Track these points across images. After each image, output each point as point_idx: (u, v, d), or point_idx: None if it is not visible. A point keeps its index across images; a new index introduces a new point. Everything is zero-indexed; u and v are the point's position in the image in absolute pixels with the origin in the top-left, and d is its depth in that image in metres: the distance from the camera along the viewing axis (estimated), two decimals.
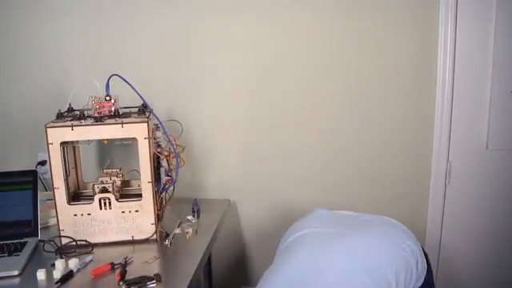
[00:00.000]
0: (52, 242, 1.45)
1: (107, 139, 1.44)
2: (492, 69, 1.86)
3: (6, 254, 1.39)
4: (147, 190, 1.46)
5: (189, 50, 1.82)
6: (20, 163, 1.74)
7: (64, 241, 1.45)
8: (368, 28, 1.84)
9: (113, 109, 1.47)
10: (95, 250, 1.42)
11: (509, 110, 1.89)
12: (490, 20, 1.83)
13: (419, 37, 1.86)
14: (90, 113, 1.47)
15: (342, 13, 1.81)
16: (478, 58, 1.87)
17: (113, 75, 1.47)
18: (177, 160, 1.51)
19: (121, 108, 1.50)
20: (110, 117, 1.46)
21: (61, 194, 1.44)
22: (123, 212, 1.46)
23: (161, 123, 1.50)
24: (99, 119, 1.44)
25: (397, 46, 1.85)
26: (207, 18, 1.83)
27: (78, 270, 1.30)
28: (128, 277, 1.25)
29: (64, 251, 1.41)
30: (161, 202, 1.55)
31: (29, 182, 1.55)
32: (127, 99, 1.53)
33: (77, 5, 1.87)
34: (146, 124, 1.41)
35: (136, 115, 1.50)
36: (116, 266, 1.31)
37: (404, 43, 1.86)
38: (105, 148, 1.82)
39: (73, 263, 1.32)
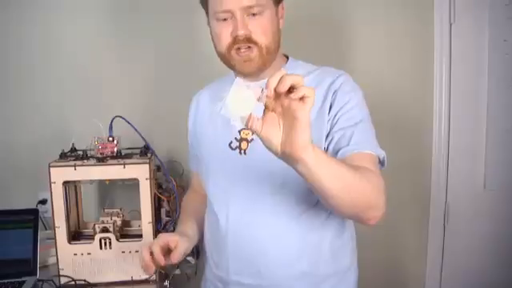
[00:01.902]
0: (50, 282, 1.44)
1: (109, 179, 1.46)
2: (487, 109, 1.90)
3: None
4: (147, 230, 1.46)
5: (189, 92, 1.84)
6: (20, 202, 1.74)
7: (63, 280, 1.44)
8: (364, 63, 1.87)
9: (115, 149, 1.49)
10: None
11: (505, 149, 1.92)
12: (484, 61, 1.89)
13: (415, 77, 1.91)
14: (93, 153, 1.48)
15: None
16: (473, 97, 1.92)
17: (116, 117, 1.49)
18: (177, 201, 1.51)
19: (123, 149, 1.52)
20: (112, 157, 1.47)
21: (61, 233, 1.44)
22: (123, 252, 1.46)
23: (162, 164, 1.52)
24: (102, 159, 1.45)
25: (393, 85, 1.88)
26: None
27: None
28: None
29: None
30: None
31: (30, 220, 1.54)
32: (129, 139, 1.55)
33: (79, 48, 1.89)
34: (147, 165, 1.43)
35: (138, 156, 1.51)
36: None
37: (400, 82, 1.90)
38: (106, 188, 1.82)
39: None
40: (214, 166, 1.18)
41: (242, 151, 1.13)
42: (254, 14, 1.04)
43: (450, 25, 1.89)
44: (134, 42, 1.90)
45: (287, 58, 1.20)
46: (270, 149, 0.81)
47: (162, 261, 1.11)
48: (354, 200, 0.91)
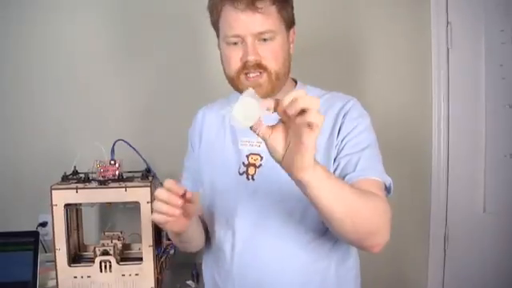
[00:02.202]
0: None
1: (110, 202, 1.47)
2: (485, 132, 1.91)
3: None
4: (148, 253, 1.46)
5: (191, 114, 1.85)
6: (20, 224, 1.74)
7: None
8: (367, 89, 1.90)
9: (117, 173, 1.49)
10: None
11: (504, 173, 1.92)
12: (481, 86, 1.91)
13: (413, 103, 1.94)
14: (95, 176, 1.49)
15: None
16: (472, 121, 1.94)
17: (118, 140, 1.51)
18: None
19: (124, 172, 1.53)
20: (113, 180, 1.48)
21: (62, 256, 1.44)
22: (123, 275, 1.46)
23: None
24: (103, 182, 1.46)
25: (392, 113, 1.90)
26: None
27: None
28: None
29: None
30: (161, 266, 1.54)
31: (30, 242, 1.53)
32: (130, 161, 1.56)
33: (79, 72, 1.90)
34: (148, 188, 1.44)
35: (139, 179, 1.52)
36: None
37: (398, 109, 1.92)
38: (107, 210, 1.82)
39: None
40: (219, 189, 1.16)
41: (250, 176, 1.11)
42: (264, 40, 1.03)
43: (448, 50, 1.93)
44: (134, 69, 1.91)
45: (296, 82, 1.20)
46: (273, 156, 0.81)
47: (181, 189, 0.94)
48: (357, 225, 0.90)
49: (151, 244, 1.46)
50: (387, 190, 1.06)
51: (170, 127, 1.87)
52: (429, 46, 1.93)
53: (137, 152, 1.53)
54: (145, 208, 1.44)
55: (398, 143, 1.88)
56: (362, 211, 0.89)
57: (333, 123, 1.08)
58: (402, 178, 1.84)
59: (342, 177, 1.02)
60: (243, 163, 1.12)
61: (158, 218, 0.94)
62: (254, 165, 1.11)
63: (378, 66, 1.95)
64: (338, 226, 0.89)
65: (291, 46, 1.11)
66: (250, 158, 1.11)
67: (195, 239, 1.18)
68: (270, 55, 1.04)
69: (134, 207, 1.46)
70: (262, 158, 1.09)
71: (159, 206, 0.94)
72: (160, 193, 0.93)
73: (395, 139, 1.87)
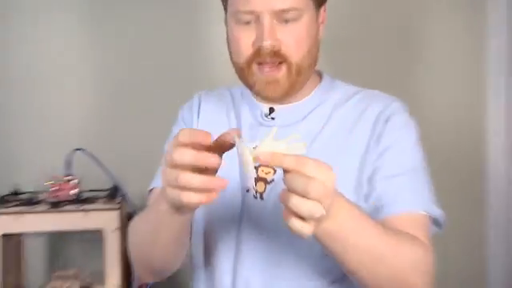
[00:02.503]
0: None
1: (64, 231, 1.33)
2: None
3: None
4: None
5: (171, 116, 1.63)
6: None
7: None
8: (406, 86, 1.82)
9: (74, 192, 1.36)
10: None
11: None
12: None
13: (465, 111, 1.85)
14: (44, 197, 1.37)
15: None
16: None
17: (76, 150, 1.37)
18: None
19: (85, 191, 1.40)
20: (69, 202, 1.34)
21: None
22: None
23: (134, 210, 1.35)
24: (55, 205, 1.33)
25: (436, 118, 1.78)
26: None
27: None
28: None
29: None
30: None
31: None
32: (93, 178, 1.40)
33: (34, 73, 1.68)
34: (116, 212, 1.31)
35: (104, 200, 1.39)
36: None
37: (446, 115, 1.82)
38: (59, 242, 1.64)
39: None
40: (217, 210, 0.95)
41: (258, 194, 0.92)
42: (286, 21, 0.86)
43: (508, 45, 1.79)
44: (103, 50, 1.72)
45: (321, 76, 1.00)
46: None
47: (207, 137, 0.63)
48: (379, 279, 0.75)
49: (119, 283, 1.32)
50: (437, 223, 0.87)
51: (146, 133, 1.67)
52: (485, 40, 1.83)
53: (101, 165, 1.40)
54: (110, 238, 1.30)
55: (446, 151, 1.76)
56: (387, 263, 0.74)
57: (370, 131, 0.90)
58: (450, 196, 1.65)
59: (378, 207, 0.85)
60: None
61: (194, 198, 0.61)
62: (264, 179, 0.92)
63: (427, 60, 1.84)
64: (356, 278, 0.76)
65: (320, 27, 0.93)
66: (259, 171, 0.93)
67: (182, 243, 0.88)
68: (292, 41, 0.86)
69: (96, 237, 1.34)
70: (275, 171, 0.92)
71: (193, 179, 0.61)
72: (181, 153, 0.61)
73: (442, 145, 1.75)
